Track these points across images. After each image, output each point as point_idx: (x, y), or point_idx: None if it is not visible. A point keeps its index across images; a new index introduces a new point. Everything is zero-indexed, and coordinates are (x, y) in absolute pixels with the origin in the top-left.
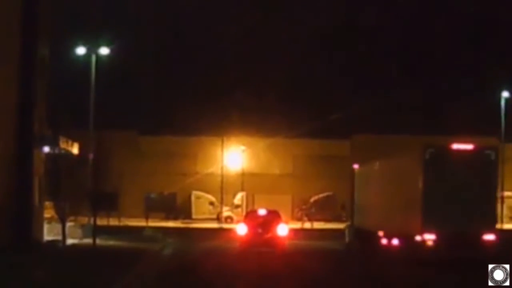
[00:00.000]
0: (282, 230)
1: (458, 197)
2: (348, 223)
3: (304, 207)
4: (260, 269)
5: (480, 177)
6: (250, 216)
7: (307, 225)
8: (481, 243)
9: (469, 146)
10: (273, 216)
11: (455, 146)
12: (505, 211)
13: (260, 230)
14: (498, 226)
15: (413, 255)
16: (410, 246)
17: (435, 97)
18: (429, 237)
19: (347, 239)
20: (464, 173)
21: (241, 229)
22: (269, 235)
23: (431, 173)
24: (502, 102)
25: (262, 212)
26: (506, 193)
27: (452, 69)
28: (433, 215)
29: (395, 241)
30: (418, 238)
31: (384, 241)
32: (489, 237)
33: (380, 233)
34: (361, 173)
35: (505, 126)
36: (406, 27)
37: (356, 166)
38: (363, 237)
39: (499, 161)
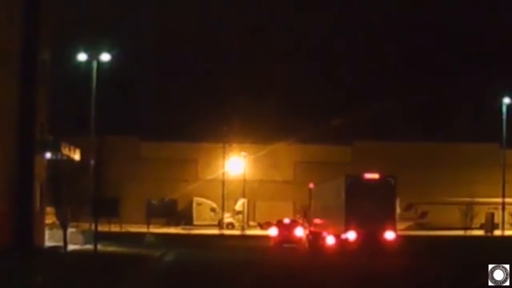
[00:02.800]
0: (299, 231)
1: (369, 209)
2: (307, 227)
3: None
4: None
5: (383, 196)
6: (278, 223)
7: None
8: (384, 239)
9: (376, 175)
10: (294, 223)
11: (366, 175)
12: (507, 218)
13: (286, 232)
14: (398, 228)
15: (341, 247)
16: (339, 242)
17: (437, 103)
18: (350, 236)
19: (308, 238)
20: (373, 193)
21: (274, 231)
22: (291, 234)
23: (351, 193)
24: (504, 108)
25: (286, 220)
26: (507, 200)
27: (454, 76)
28: (352, 220)
29: (331, 239)
30: (343, 236)
31: (326, 238)
32: (390, 235)
33: (324, 234)
34: (314, 191)
35: (506, 132)
36: (408, 34)
37: (311, 185)
38: (315, 237)
39: (396, 186)
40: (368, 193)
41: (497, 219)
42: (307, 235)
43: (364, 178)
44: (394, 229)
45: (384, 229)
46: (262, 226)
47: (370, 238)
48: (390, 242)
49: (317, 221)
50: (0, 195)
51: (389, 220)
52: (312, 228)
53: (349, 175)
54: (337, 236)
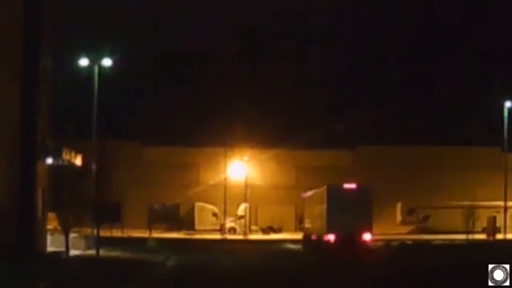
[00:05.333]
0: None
1: (348, 214)
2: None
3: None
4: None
5: (360, 203)
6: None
7: None
8: (361, 240)
9: (354, 185)
10: None
11: (346, 185)
12: (509, 221)
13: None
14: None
15: (324, 247)
16: (322, 242)
17: (438, 107)
18: (331, 237)
19: (303, 240)
20: (351, 201)
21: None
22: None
23: (332, 201)
24: (505, 112)
25: None
26: (509, 203)
27: (455, 80)
28: (333, 224)
29: (319, 240)
30: (325, 237)
31: (314, 240)
32: (366, 237)
33: (313, 236)
34: (306, 199)
35: (508, 135)
36: (409, 37)
37: (304, 194)
38: (308, 238)
39: (372, 195)
40: (347, 201)
41: (499, 222)
42: (302, 237)
43: (344, 187)
44: (371, 231)
45: (362, 232)
46: (264, 230)
47: (349, 239)
48: (366, 242)
49: (308, 225)
50: (2, 201)
51: (366, 224)
52: (306, 231)
53: (331, 184)
54: (320, 237)
